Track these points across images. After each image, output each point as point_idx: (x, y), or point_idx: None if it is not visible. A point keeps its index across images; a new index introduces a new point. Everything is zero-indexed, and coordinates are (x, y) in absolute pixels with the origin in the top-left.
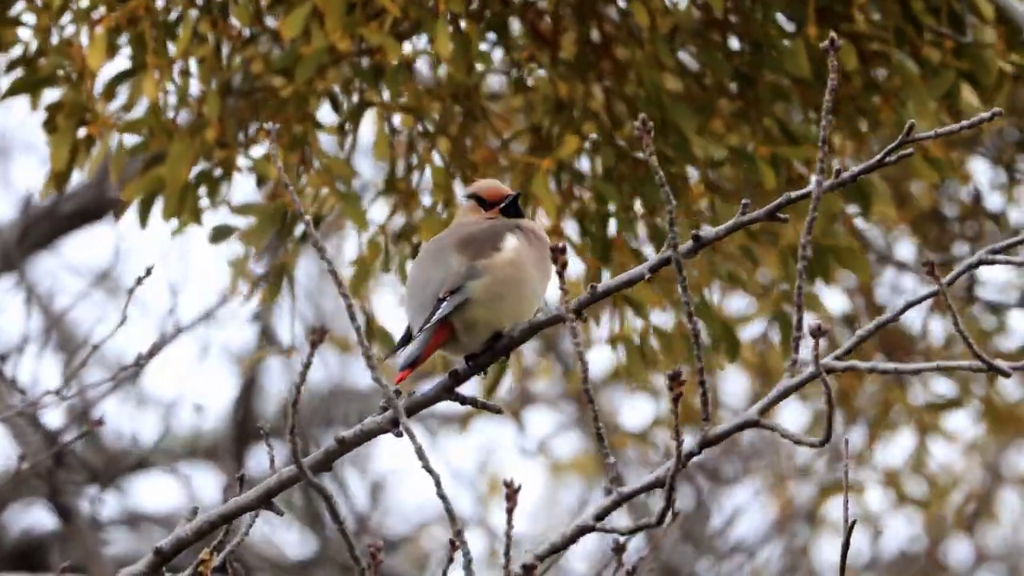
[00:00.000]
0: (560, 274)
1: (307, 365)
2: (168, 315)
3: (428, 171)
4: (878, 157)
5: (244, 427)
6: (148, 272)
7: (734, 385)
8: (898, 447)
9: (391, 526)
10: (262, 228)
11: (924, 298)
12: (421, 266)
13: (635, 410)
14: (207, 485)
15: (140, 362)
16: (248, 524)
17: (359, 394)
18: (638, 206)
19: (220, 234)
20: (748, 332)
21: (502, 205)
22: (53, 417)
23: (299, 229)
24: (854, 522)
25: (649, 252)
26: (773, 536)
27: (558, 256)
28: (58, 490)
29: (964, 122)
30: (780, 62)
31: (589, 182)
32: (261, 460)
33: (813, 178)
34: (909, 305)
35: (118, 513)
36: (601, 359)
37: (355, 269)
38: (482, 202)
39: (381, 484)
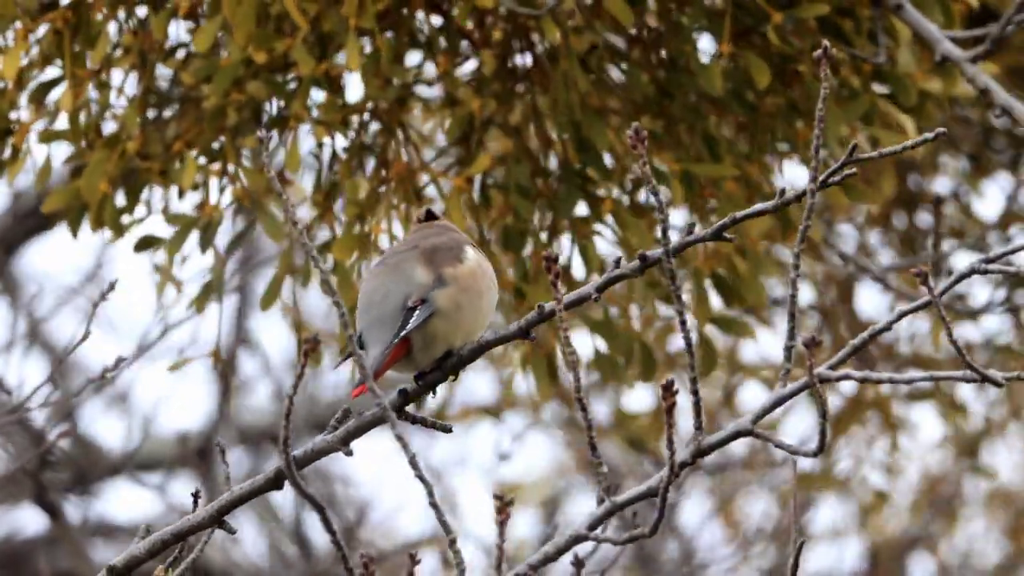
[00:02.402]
0: (555, 284)
1: (300, 375)
2: (150, 319)
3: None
4: (823, 176)
5: (221, 433)
6: (111, 287)
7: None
8: (865, 442)
9: (376, 540)
10: (179, 233)
11: (916, 308)
12: (380, 278)
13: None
14: (183, 493)
15: (117, 367)
16: (203, 542)
17: (315, 399)
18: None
19: (144, 244)
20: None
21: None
22: (38, 417)
23: (219, 239)
24: (802, 543)
25: (576, 270)
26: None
27: (551, 265)
28: (45, 490)
29: (907, 142)
30: (696, 80)
31: (508, 198)
32: (239, 465)
33: (808, 187)
34: (902, 315)
35: (93, 522)
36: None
37: (269, 283)
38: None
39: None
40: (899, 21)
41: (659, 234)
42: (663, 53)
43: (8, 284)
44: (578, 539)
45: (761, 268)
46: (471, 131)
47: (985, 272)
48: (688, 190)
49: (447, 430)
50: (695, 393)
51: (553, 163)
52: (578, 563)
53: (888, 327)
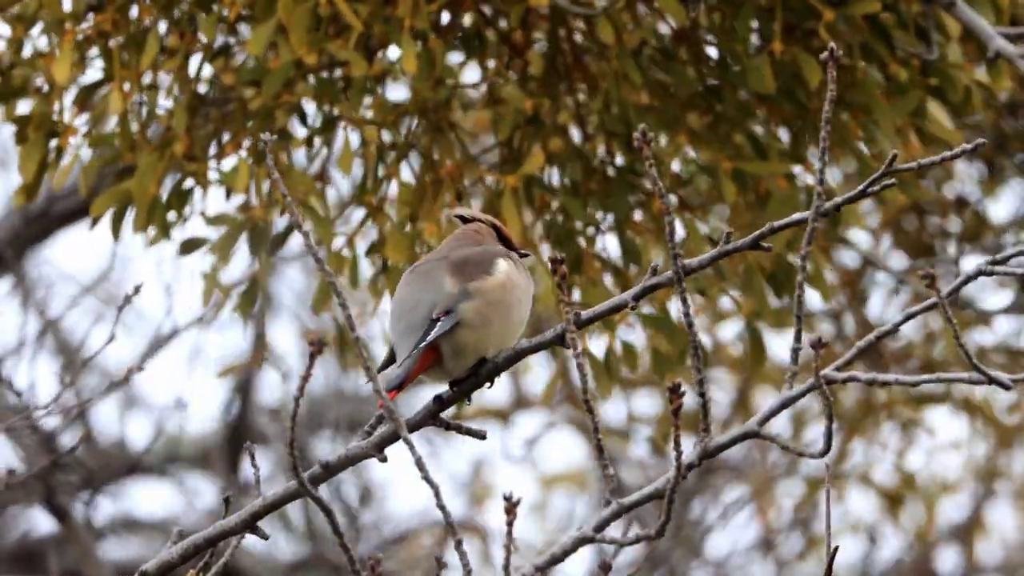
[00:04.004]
0: (560, 286)
1: (305, 377)
2: (163, 319)
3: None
4: (860, 188)
5: (238, 432)
6: (137, 290)
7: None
8: (880, 447)
9: (385, 528)
10: (228, 237)
11: (923, 310)
12: (411, 287)
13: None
14: (203, 490)
15: (135, 370)
16: (233, 546)
17: (352, 398)
18: (610, 220)
19: (190, 246)
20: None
21: (520, 253)
22: (49, 421)
23: (272, 239)
24: (836, 548)
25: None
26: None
27: (557, 268)
28: (54, 493)
29: (946, 153)
30: (745, 78)
31: (557, 197)
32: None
33: (814, 201)
34: (908, 317)
35: (112, 519)
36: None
37: (319, 287)
38: (499, 235)
39: (370, 491)
40: (949, 18)
41: (667, 236)
42: (711, 51)
43: (20, 284)
44: (584, 540)
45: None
46: (516, 130)
47: (992, 274)
48: (740, 188)
49: (481, 437)
50: (703, 395)
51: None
52: (605, 567)
53: (895, 329)
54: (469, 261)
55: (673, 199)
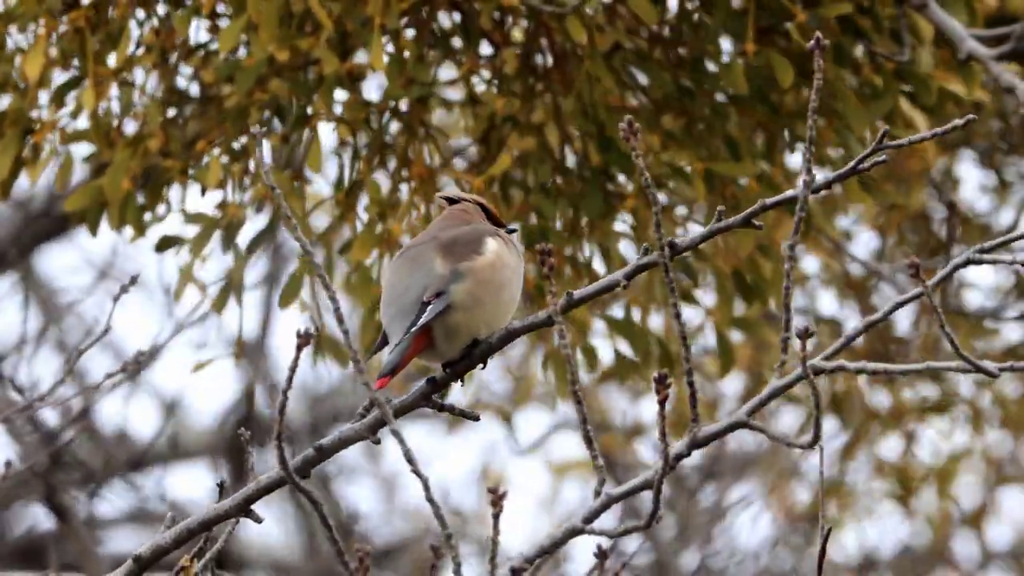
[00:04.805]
0: (548, 277)
1: (293, 369)
2: (166, 312)
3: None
4: (852, 164)
5: (245, 422)
6: (133, 280)
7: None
8: (887, 448)
9: (394, 529)
10: (202, 234)
11: (910, 299)
12: (400, 271)
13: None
14: (208, 482)
15: (138, 360)
16: (228, 531)
17: (337, 393)
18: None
19: (165, 244)
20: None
21: (507, 229)
22: (50, 416)
23: (241, 239)
24: (830, 530)
25: (598, 266)
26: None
27: (546, 259)
28: (54, 490)
29: (938, 129)
30: (718, 79)
31: (529, 197)
32: (264, 456)
33: (800, 180)
34: (897, 306)
35: (118, 510)
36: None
37: (288, 281)
38: (488, 214)
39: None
40: (922, 20)
41: (655, 227)
42: (684, 52)
43: (23, 283)
44: (574, 532)
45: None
46: (491, 130)
47: (980, 263)
48: (710, 189)
49: (474, 418)
50: (691, 384)
51: (572, 161)
52: (601, 554)
53: (885, 317)
54: (458, 241)
55: (663, 199)
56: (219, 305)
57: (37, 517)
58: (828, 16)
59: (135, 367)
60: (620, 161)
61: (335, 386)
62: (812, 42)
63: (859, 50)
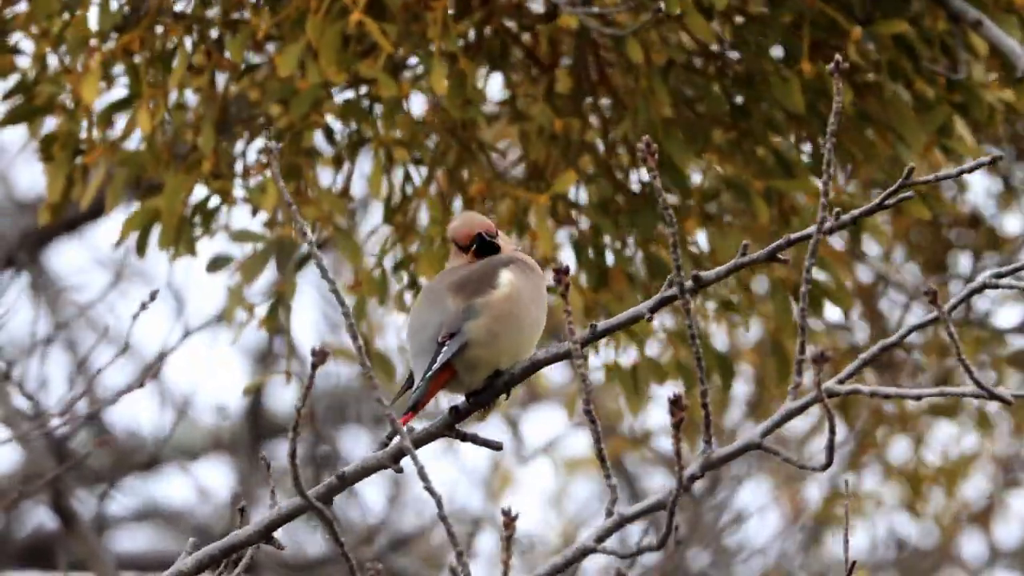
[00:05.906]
0: (564, 295)
1: (308, 387)
2: (179, 316)
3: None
4: (877, 201)
5: (259, 423)
6: (153, 296)
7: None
8: (894, 450)
9: (405, 522)
10: (259, 257)
11: (926, 323)
12: (419, 310)
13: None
14: (221, 481)
15: (154, 369)
16: (248, 559)
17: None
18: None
19: (217, 263)
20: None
21: (473, 248)
22: (60, 426)
23: (297, 256)
24: (854, 563)
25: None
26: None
27: (561, 277)
28: (61, 494)
29: (963, 166)
30: (773, 95)
31: (585, 213)
32: (277, 456)
33: (818, 214)
34: (911, 329)
35: (131, 509)
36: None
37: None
38: (459, 247)
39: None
40: (977, 37)
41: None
42: (739, 69)
43: (33, 288)
44: (585, 552)
45: (843, 276)
46: (552, 146)
47: (996, 287)
48: (771, 207)
49: (497, 447)
50: (705, 407)
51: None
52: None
53: (899, 341)
54: (471, 278)
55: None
56: (270, 325)
57: (44, 517)
58: (883, 33)
59: (153, 374)
60: (678, 178)
61: (342, 391)
62: (832, 64)
63: (912, 66)
